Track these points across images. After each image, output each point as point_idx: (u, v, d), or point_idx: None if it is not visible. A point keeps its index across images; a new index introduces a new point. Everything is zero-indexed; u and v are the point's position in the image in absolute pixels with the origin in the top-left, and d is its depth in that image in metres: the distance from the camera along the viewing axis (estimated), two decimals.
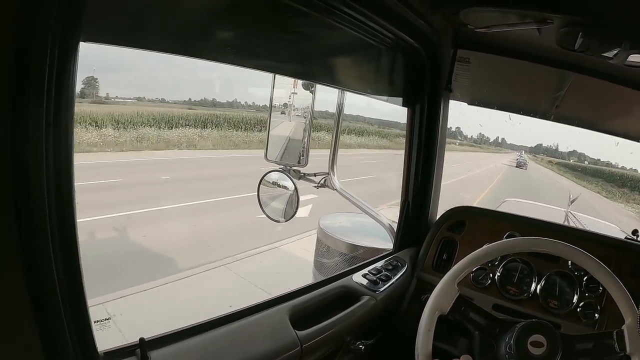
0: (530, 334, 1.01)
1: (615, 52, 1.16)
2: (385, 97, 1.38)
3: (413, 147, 1.42)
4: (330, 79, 1.27)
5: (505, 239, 1.15)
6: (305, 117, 1.63)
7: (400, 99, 1.38)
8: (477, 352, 1.18)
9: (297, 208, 1.63)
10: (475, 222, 1.48)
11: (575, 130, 1.79)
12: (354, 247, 1.73)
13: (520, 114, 1.76)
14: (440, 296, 1.07)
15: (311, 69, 1.20)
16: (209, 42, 0.87)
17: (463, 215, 1.50)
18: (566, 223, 3.32)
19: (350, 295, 1.25)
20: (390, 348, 1.36)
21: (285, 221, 1.67)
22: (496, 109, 1.76)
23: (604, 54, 1.18)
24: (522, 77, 1.61)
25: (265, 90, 1.58)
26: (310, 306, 1.16)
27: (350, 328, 1.19)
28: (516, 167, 23.97)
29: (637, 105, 1.59)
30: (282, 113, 1.66)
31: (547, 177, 21.91)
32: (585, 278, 1.35)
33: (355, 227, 1.91)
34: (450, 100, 1.52)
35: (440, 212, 1.59)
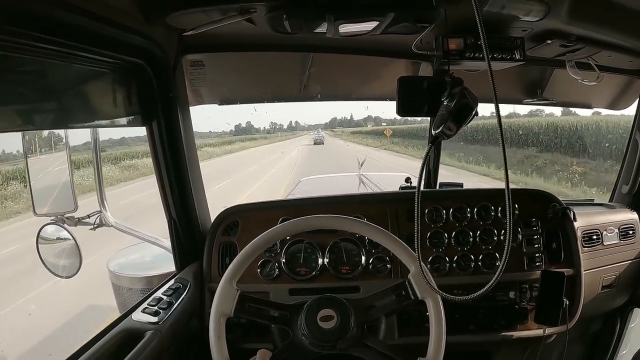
0: (318, 310, 0.99)
1: (325, 26, 1.09)
2: (124, 122, 1.21)
3: (160, 163, 1.28)
4: (68, 121, 1.11)
5: (268, 230, 1.08)
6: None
7: (139, 120, 1.22)
8: (278, 342, 1.16)
9: (80, 257, 1.42)
10: (248, 219, 1.41)
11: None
12: (149, 280, 1.57)
13: (273, 102, 1.72)
14: (220, 300, 1.00)
15: (48, 116, 1.03)
16: None
17: (235, 216, 1.42)
18: (361, 185, 3.45)
19: (132, 338, 1.09)
20: None
21: (75, 274, 1.44)
22: (247, 103, 1.72)
23: (317, 30, 1.12)
24: (263, 67, 1.56)
25: None
26: None
27: None
28: (314, 144, 26.64)
29: (372, 69, 1.63)
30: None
31: (344, 147, 22.91)
32: (366, 237, 1.36)
33: (149, 258, 1.73)
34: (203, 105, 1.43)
35: None
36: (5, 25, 0.74)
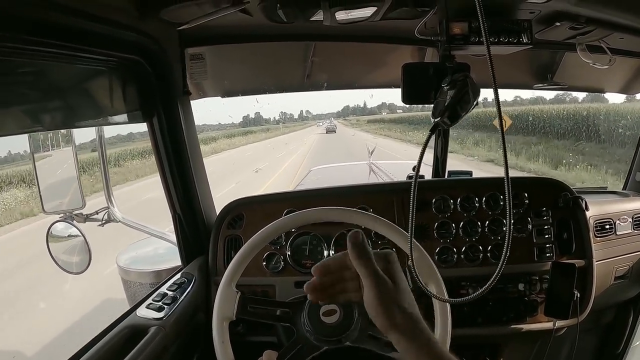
0: (319, 306, 0.95)
1: (321, 14, 1.03)
2: (125, 119, 1.18)
3: (162, 158, 1.25)
4: (69, 122, 1.09)
5: (263, 228, 1.02)
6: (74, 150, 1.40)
7: (139, 116, 1.19)
8: (282, 335, 1.15)
9: (90, 253, 1.41)
10: (253, 212, 1.37)
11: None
12: (158, 274, 1.54)
13: (277, 92, 1.68)
14: (221, 304, 0.96)
15: (49, 118, 1.00)
16: None
17: (240, 209, 1.38)
18: (371, 174, 3.36)
19: (136, 334, 1.07)
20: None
21: (84, 271, 1.43)
22: (251, 95, 1.69)
23: (313, 18, 1.06)
24: (265, 58, 1.51)
25: None
26: None
27: None
28: (327, 133, 26.94)
29: (377, 57, 1.57)
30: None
31: (356, 136, 21.80)
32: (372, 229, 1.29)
33: (158, 252, 1.70)
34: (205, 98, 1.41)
35: None
36: (1, 29, 0.71)
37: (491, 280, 0.75)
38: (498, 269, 0.73)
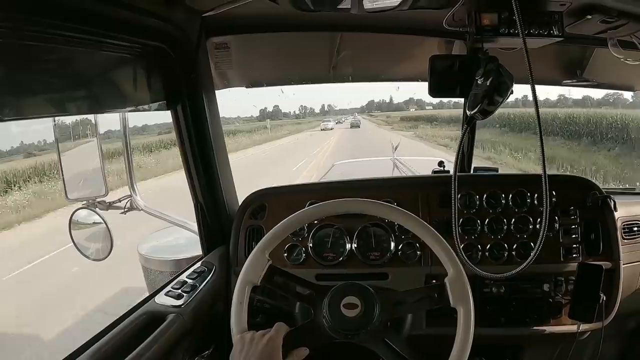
0: (342, 296, 0.91)
1: (348, 1, 1.00)
2: (149, 107, 1.17)
3: (186, 147, 1.23)
4: (94, 107, 1.09)
5: (312, 206, 1.02)
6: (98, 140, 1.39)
7: (163, 104, 1.18)
8: (298, 319, 1.12)
9: (111, 241, 1.40)
10: (275, 203, 1.34)
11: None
12: (178, 263, 1.53)
13: (301, 83, 1.66)
14: (249, 268, 0.93)
15: (75, 103, 1.01)
16: None
17: (262, 199, 1.35)
18: (395, 169, 3.30)
19: (154, 320, 1.05)
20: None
21: (106, 258, 1.42)
22: (275, 85, 1.67)
23: (341, 6, 1.02)
24: (290, 48, 1.48)
25: None
26: (113, 347, 0.94)
27: (160, 353, 0.98)
28: (351, 127, 26.86)
29: (404, 49, 1.53)
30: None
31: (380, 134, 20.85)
32: (396, 223, 1.26)
33: (179, 241, 1.69)
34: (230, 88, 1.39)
35: None
36: (30, 15, 0.71)
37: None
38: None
